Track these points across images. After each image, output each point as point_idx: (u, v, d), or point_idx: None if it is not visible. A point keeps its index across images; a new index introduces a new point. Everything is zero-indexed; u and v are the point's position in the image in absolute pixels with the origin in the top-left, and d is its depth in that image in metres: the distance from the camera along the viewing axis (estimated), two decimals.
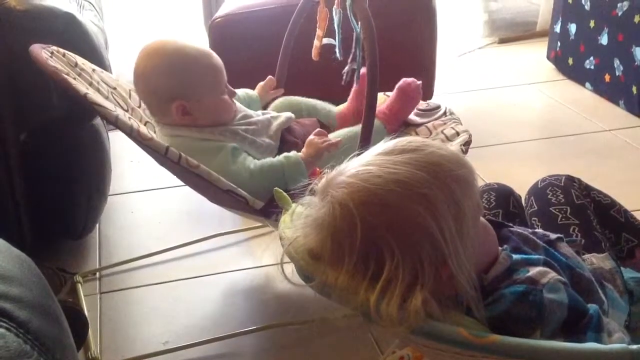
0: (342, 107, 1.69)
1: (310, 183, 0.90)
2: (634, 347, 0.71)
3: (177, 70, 1.39)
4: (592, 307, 0.88)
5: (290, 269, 0.89)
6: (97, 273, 1.71)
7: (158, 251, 1.76)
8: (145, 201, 2.04)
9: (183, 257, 1.76)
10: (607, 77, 2.47)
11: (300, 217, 0.91)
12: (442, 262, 0.80)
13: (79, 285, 1.63)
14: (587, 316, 0.85)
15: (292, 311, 1.50)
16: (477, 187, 0.88)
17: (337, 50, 1.56)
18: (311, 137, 1.41)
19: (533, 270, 0.87)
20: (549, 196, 1.18)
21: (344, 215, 0.81)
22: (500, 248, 0.93)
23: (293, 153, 1.41)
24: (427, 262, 0.79)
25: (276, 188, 1.04)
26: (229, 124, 1.44)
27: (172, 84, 1.39)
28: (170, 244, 1.77)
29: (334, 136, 1.51)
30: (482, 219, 0.92)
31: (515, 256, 0.91)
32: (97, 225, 1.85)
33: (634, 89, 2.33)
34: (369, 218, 0.80)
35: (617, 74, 2.41)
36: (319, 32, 1.59)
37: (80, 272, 1.68)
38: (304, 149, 1.41)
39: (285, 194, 1.02)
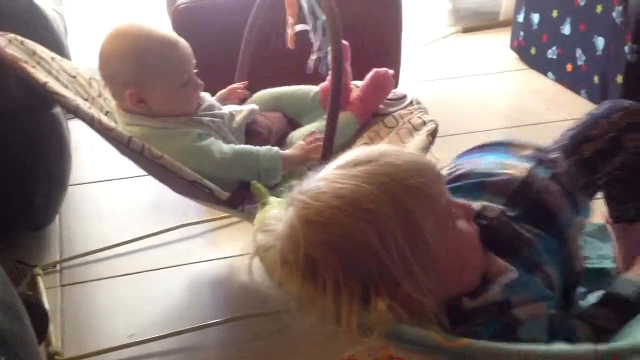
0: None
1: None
2: (602, 347, 0.71)
3: (134, 56, 1.36)
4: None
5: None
6: (58, 265, 1.67)
7: (121, 242, 1.73)
8: (107, 191, 2.01)
9: (147, 248, 1.74)
10: (569, 67, 2.50)
11: (270, 221, 0.90)
12: (394, 283, 0.77)
13: (39, 277, 1.60)
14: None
15: (259, 302, 1.49)
16: (442, 195, 0.82)
17: (311, 36, 1.55)
18: (301, 142, 1.43)
19: (520, 309, 0.82)
20: None
21: (290, 234, 0.81)
22: (505, 269, 0.86)
23: (276, 148, 1.41)
24: (378, 281, 0.77)
25: (254, 182, 1.03)
26: (193, 115, 1.42)
27: (127, 70, 1.36)
28: (134, 235, 1.75)
29: (309, 128, 1.51)
30: (463, 227, 0.85)
31: (514, 294, 0.83)
32: (58, 216, 1.81)
33: (596, 78, 2.36)
34: (310, 237, 0.79)
35: (578, 63, 2.44)
36: (290, 19, 1.57)
37: (41, 265, 1.64)
38: (290, 150, 1.42)
39: (262, 187, 1.02)
